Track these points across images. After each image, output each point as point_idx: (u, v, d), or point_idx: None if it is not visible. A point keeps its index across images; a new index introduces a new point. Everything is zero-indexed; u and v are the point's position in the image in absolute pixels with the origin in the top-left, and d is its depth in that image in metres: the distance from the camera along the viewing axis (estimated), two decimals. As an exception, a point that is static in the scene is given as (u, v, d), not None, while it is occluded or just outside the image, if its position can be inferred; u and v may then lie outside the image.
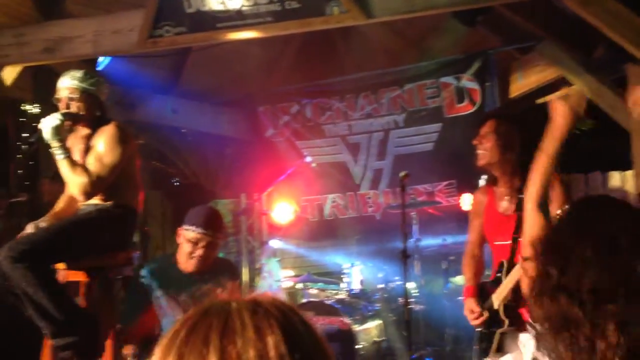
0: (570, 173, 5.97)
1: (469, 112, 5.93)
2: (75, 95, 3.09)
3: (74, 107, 3.09)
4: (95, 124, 3.14)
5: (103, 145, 3.04)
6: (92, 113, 3.13)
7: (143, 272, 3.25)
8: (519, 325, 2.66)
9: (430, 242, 5.31)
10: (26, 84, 5.62)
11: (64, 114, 3.02)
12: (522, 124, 2.81)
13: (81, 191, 2.98)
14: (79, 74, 3.16)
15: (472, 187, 2.88)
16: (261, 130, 6.77)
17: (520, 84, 5.94)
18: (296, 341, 0.77)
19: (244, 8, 4.20)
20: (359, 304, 4.91)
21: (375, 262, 5.25)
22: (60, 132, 2.97)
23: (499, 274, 2.76)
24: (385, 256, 5.24)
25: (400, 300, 4.77)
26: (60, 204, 3.27)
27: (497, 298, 2.72)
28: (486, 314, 2.77)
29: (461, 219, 5.22)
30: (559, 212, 2.32)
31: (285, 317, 0.79)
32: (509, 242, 2.69)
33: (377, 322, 4.83)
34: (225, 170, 7.19)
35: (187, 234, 3.12)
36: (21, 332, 4.47)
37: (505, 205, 2.79)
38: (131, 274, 3.22)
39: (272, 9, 4.16)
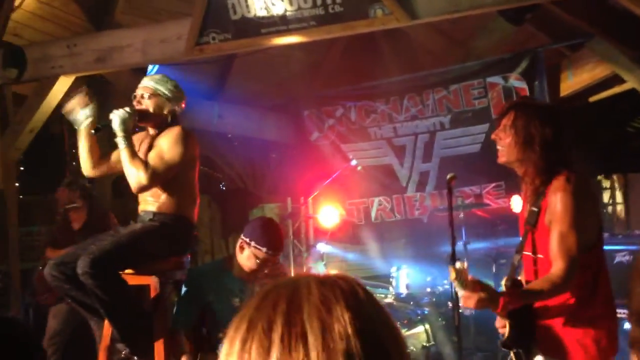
0: (626, 172, 5.78)
1: (517, 112, 5.80)
2: (148, 94, 3.20)
3: (144, 105, 3.20)
4: (162, 127, 3.23)
5: (165, 143, 3.14)
6: (161, 115, 3.23)
7: (194, 277, 3.30)
8: (531, 344, 2.38)
9: (479, 245, 5.22)
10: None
11: (133, 109, 3.14)
12: (549, 118, 2.41)
13: (136, 182, 3.05)
14: (158, 76, 3.32)
15: (521, 189, 2.66)
16: (306, 134, 6.79)
17: (571, 82, 5.79)
18: (360, 312, 0.80)
19: (287, 13, 4.22)
20: (407, 307, 4.86)
21: (422, 266, 5.20)
22: (127, 124, 3.08)
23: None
24: (432, 259, 5.18)
25: (450, 304, 4.70)
26: None
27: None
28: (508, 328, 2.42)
29: (511, 221, 5.11)
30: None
31: (352, 289, 0.82)
32: (530, 253, 2.42)
33: (425, 327, 4.78)
34: (271, 175, 7.25)
35: (256, 252, 3.14)
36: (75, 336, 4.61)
37: (526, 210, 2.47)
38: (182, 278, 3.28)
39: (316, 13, 4.17)
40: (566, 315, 2.33)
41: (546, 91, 5.74)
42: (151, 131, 3.28)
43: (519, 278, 2.52)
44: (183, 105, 3.33)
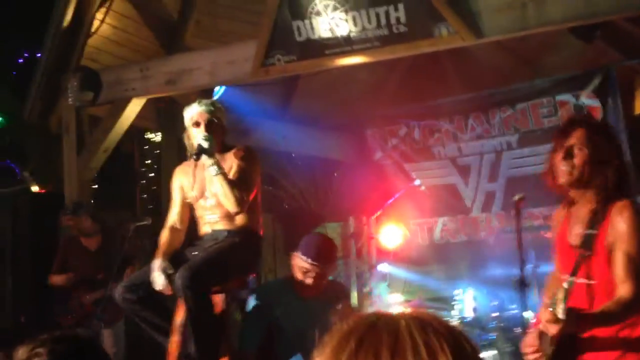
0: None
1: (589, 130, 5.60)
2: (209, 119, 3.22)
3: (210, 131, 3.20)
4: (225, 148, 3.29)
5: (245, 165, 3.19)
6: (224, 136, 3.30)
7: (260, 295, 3.33)
8: None
9: (548, 268, 5.02)
10: (149, 114, 6.03)
11: (209, 135, 3.15)
12: (615, 137, 2.37)
13: (236, 206, 3.09)
14: (207, 101, 3.35)
15: (564, 210, 2.51)
16: (369, 154, 6.77)
17: (646, 100, 5.56)
18: None
19: (352, 34, 4.25)
20: (473, 332, 4.73)
21: (488, 289, 5.05)
22: (213, 150, 3.11)
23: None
24: (499, 283, 5.02)
25: (518, 329, 4.54)
26: (166, 239, 3.31)
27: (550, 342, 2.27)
28: (548, 351, 2.24)
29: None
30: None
31: (454, 338, 0.79)
32: (584, 280, 2.28)
33: (492, 352, 4.63)
34: (334, 194, 7.25)
35: (299, 262, 3.18)
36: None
37: (576, 233, 2.33)
38: (246, 298, 3.31)
39: (380, 33, 4.18)
40: (619, 351, 2.19)
41: (620, 109, 5.52)
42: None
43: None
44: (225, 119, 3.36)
